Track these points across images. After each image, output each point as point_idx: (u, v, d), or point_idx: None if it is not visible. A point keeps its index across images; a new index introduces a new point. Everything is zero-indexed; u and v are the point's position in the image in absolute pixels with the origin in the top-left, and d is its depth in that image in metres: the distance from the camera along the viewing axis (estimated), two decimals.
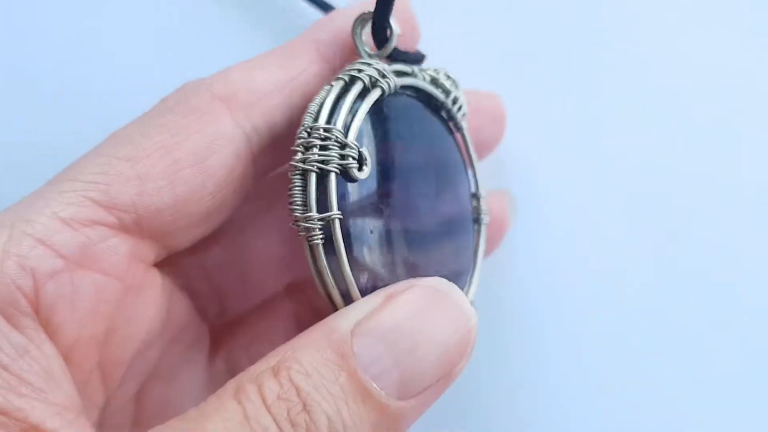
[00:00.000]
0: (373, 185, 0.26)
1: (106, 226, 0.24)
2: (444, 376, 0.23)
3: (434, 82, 0.30)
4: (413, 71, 0.30)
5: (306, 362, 0.22)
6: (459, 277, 0.30)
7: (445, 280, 0.25)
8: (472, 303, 0.26)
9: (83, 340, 0.24)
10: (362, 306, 0.23)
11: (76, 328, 0.23)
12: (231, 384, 0.22)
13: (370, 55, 0.29)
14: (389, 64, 0.29)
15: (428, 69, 0.31)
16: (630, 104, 0.38)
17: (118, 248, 0.24)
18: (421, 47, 0.33)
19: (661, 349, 0.37)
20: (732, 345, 0.37)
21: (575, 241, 0.38)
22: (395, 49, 0.30)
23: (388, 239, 0.26)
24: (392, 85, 0.27)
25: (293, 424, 0.21)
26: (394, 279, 0.26)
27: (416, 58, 0.32)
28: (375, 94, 0.27)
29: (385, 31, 0.30)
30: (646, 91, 0.38)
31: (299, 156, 0.25)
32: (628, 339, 0.37)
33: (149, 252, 0.26)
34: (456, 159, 0.31)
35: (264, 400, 0.21)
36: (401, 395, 0.22)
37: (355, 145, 0.25)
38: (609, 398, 0.37)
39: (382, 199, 0.26)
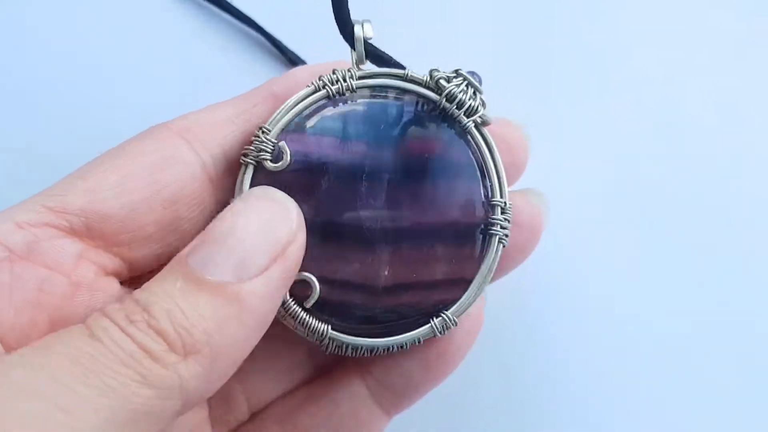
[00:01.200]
0: (291, 178, 0.28)
1: (56, 228, 0.26)
2: (279, 257, 0.25)
3: (434, 83, 0.29)
4: (406, 74, 0.29)
5: (146, 285, 0.24)
6: (450, 285, 0.29)
7: (262, 187, 0.27)
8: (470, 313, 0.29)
9: (20, 325, 0.26)
10: (198, 236, 0.25)
11: (13, 312, 0.26)
12: None
13: (357, 63, 0.30)
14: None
15: (439, 70, 0.29)
16: (634, 119, 0.40)
17: (67, 248, 0.26)
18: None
19: (660, 354, 0.38)
20: (729, 350, 0.38)
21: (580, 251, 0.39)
22: (376, 54, 0.30)
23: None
24: (343, 87, 0.28)
25: (131, 321, 0.22)
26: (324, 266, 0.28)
27: (388, 61, 0.30)
28: (318, 95, 0.29)
29: (350, 31, 0.29)
30: (655, 113, 0.41)
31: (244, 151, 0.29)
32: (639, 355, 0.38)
33: (107, 261, 0.28)
34: (463, 163, 0.29)
35: (104, 312, 0.23)
36: (239, 278, 0.24)
37: (269, 140, 0.28)
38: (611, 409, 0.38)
39: (303, 192, 0.28)
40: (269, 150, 0.28)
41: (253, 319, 0.24)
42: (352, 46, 0.29)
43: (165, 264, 0.26)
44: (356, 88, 0.29)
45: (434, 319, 0.29)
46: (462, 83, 0.29)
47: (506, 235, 0.29)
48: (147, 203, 0.27)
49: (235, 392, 0.32)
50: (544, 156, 0.38)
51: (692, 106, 0.41)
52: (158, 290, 0.23)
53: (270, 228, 0.25)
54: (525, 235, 0.31)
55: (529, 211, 0.32)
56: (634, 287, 0.38)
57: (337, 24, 0.29)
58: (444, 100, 0.29)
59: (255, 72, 0.42)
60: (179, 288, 0.23)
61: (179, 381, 0.22)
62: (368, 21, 0.30)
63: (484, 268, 0.29)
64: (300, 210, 0.26)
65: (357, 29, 0.29)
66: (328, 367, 0.33)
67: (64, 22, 0.42)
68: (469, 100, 0.29)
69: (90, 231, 0.27)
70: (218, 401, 0.32)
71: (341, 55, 0.31)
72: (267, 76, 0.33)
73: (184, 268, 0.24)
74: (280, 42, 0.41)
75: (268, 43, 0.41)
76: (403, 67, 0.30)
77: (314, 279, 0.28)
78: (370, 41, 0.30)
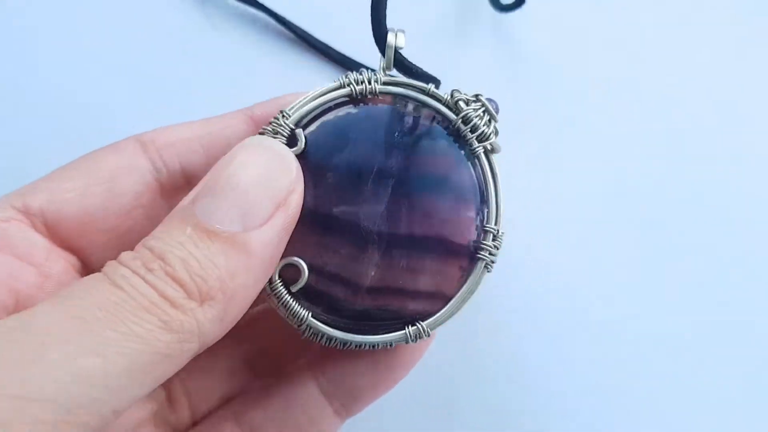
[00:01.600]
0: (300, 165, 0.28)
1: (23, 224, 0.28)
2: (281, 206, 0.26)
3: (453, 103, 0.30)
4: (429, 89, 0.30)
5: (156, 233, 0.25)
6: (431, 297, 0.29)
7: (262, 137, 0.29)
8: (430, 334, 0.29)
9: None
10: (199, 184, 0.26)
11: None
12: None
13: (385, 69, 0.31)
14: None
15: (460, 92, 0.30)
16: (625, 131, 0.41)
17: (36, 242, 0.29)
18: None
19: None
20: (727, 350, 0.39)
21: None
22: (404, 64, 0.31)
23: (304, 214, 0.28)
24: (366, 89, 0.30)
25: (149, 270, 0.23)
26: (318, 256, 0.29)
27: (423, 74, 0.31)
28: (341, 92, 0.30)
29: (383, 37, 0.30)
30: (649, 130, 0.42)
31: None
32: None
33: (73, 260, 0.30)
34: (466, 185, 0.30)
35: (120, 261, 0.24)
36: (246, 227, 0.25)
37: (287, 125, 0.29)
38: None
39: (309, 182, 0.29)
40: (285, 134, 0.29)
41: (259, 266, 0.26)
42: (383, 52, 0.30)
43: None
44: (379, 92, 0.30)
45: (409, 326, 0.29)
46: (480, 109, 0.30)
47: (492, 262, 0.30)
48: (103, 210, 0.29)
49: (177, 393, 0.33)
50: (541, 156, 0.40)
51: (690, 108, 0.42)
52: (169, 239, 0.24)
53: (272, 178, 0.26)
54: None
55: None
56: (630, 289, 0.39)
57: (373, 28, 0.30)
58: (460, 121, 0.30)
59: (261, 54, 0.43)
60: (189, 236, 0.24)
61: (197, 325, 0.24)
62: (402, 31, 0.31)
63: (465, 288, 0.30)
64: (298, 162, 0.28)
65: (390, 37, 0.30)
66: (272, 370, 0.34)
67: (55, 19, 0.43)
68: (483, 125, 0.30)
69: (50, 231, 0.29)
70: (161, 401, 0.33)
71: (356, 44, 0.32)
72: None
73: (192, 218, 0.25)
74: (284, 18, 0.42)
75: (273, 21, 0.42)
76: (434, 80, 0.31)
77: (304, 265, 0.29)
78: (400, 50, 0.31)
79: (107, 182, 0.29)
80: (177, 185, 0.31)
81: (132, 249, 0.25)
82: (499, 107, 0.31)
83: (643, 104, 0.42)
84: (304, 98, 0.30)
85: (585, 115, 0.42)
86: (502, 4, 0.43)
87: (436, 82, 0.31)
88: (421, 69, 0.31)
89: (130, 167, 0.30)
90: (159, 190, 0.31)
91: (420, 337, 0.29)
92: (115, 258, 0.24)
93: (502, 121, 0.31)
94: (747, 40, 0.43)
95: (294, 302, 0.29)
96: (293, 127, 0.29)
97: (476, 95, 0.30)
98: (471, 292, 0.30)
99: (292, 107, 0.29)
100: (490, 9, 0.43)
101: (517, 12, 0.43)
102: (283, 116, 0.29)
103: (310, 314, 0.29)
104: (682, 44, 0.43)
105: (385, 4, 0.30)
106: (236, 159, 0.26)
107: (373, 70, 0.30)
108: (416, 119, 0.30)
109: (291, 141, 0.29)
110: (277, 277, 0.29)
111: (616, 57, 0.43)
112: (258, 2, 0.43)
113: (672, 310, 0.39)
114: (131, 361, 0.22)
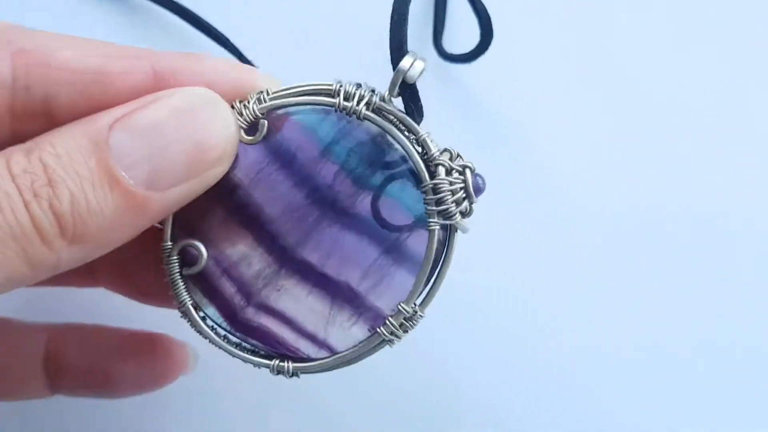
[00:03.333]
0: (254, 155, 0.26)
1: None
2: (197, 176, 0.24)
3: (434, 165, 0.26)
4: (420, 137, 0.26)
5: (59, 145, 0.22)
6: (315, 343, 0.27)
7: (211, 92, 0.25)
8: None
9: None
10: (126, 106, 0.24)
11: None
12: None
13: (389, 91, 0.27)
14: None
15: (451, 151, 0.26)
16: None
17: None
18: None
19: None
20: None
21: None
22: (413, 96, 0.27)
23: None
24: (352, 108, 0.26)
25: (36, 195, 0.21)
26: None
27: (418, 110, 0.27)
28: (326, 99, 0.26)
29: (399, 57, 0.26)
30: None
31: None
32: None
33: None
34: (411, 255, 0.26)
35: (10, 170, 0.22)
36: (150, 186, 0.23)
37: (254, 111, 0.26)
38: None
39: (255, 175, 0.26)
40: (247, 120, 0.26)
41: (145, 225, 0.24)
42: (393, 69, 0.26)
43: None
44: (364, 118, 0.26)
45: (277, 359, 0.27)
46: (458, 184, 0.26)
47: (392, 341, 0.27)
48: None
49: None
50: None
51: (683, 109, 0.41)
52: (68, 163, 0.22)
53: (201, 145, 0.24)
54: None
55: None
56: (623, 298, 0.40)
57: (390, 43, 0.26)
58: (430, 188, 0.26)
59: None
60: (91, 171, 0.22)
61: (56, 263, 0.22)
62: (424, 60, 0.26)
63: (350, 353, 0.27)
64: (238, 132, 0.25)
65: (405, 60, 0.26)
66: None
67: None
68: (452, 205, 0.25)
69: None
70: None
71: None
72: None
73: (103, 148, 0.23)
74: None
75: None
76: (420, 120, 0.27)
77: (205, 256, 0.27)
78: (413, 81, 0.26)
79: None
80: (31, 110, 0.25)
81: None
82: (485, 186, 0.26)
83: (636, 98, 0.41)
84: (287, 89, 0.27)
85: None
86: (447, 53, 0.38)
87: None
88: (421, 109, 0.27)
89: None
90: (8, 105, 0.25)
91: (282, 373, 0.27)
92: None
93: None
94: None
95: (181, 284, 0.27)
96: (260, 115, 0.26)
97: (465, 166, 0.26)
98: (352, 360, 0.27)
99: (273, 95, 0.26)
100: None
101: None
102: (259, 101, 0.26)
103: (190, 303, 0.27)
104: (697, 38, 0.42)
105: (407, 14, 0.25)
106: (175, 105, 0.24)
107: (372, 90, 0.26)
108: (397, 163, 0.26)
109: (251, 128, 0.26)
110: (176, 254, 0.27)
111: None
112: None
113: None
114: None
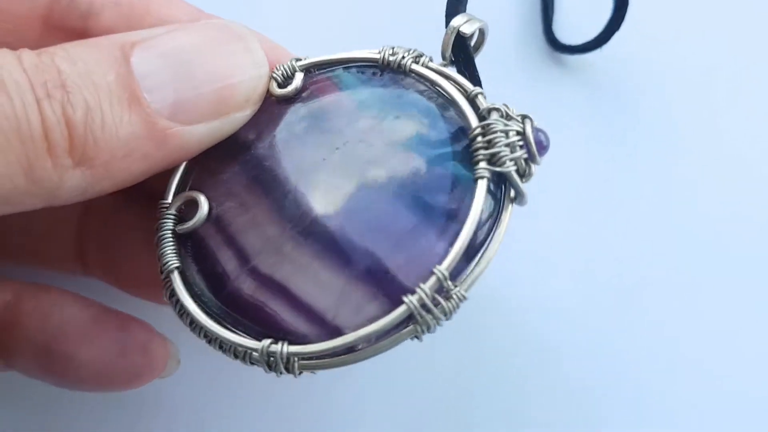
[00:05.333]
0: (283, 111, 0.24)
1: None
2: (221, 115, 0.22)
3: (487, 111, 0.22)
4: (471, 93, 0.22)
5: (75, 53, 0.20)
6: (317, 322, 0.21)
7: (246, 28, 0.23)
8: None
9: None
10: (152, 30, 0.22)
11: None
12: None
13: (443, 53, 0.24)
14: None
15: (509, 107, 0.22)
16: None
17: None
18: None
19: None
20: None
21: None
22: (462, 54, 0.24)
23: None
24: (395, 60, 0.23)
25: (49, 95, 0.19)
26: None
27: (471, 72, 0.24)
28: (365, 56, 0.24)
29: (451, 15, 0.24)
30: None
31: None
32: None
33: None
34: (452, 223, 0.21)
35: (21, 63, 0.19)
36: (173, 116, 0.21)
37: (291, 65, 0.24)
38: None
39: (275, 127, 0.23)
40: (282, 74, 0.24)
41: (159, 163, 0.21)
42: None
43: None
44: (410, 71, 0.23)
45: (268, 340, 0.21)
46: (515, 128, 0.21)
47: (422, 326, 0.20)
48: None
49: None
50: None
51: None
52: (85, 71, 0.20)
53: (227, 77, 0.22)
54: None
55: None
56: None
57: (447, 9, 0.24)
58: (479, 132, 0.21)
59: None
60: (109, 86, 0.20)
61: (57, 186, 0.19)
62: (481, 21, 0.24)
63: (368, 330, 0.20)
64: (269, 77, 0.23)
65: (459, 17, 0.24)
66: None
67: None
68: (505, 149, 0.21)
69: None
70: None
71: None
72: None
73: (124, 64, 0.20)
74: None
75: None
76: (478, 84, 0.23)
77: (205, 209, 0.22)
78: (467, 42, 0.24)
79: None
80: (68, 25, 0.24)
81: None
82: (549, 146, 0.22)
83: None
84: (330, 57, 0.24)
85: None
86: (561, 44, 0.34)
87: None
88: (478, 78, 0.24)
89: None
90: (44, 14, 0.24)
91: (273, 367, 0.20)
92: None
93: None
94: None
95: (169, 243, 0.23)
96: (297, 68, 0.24)
97: (524, 116, 0.22)
98: (372, 341, 0.20)
99: (312, 60, 0.24)
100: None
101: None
102: (296, 60, 0.24)
103: (176, 268, 0.22)
104: None
105: None
106: (207, 34, 0.22)
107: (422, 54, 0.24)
108: (437, 113, 0.22)
109: (285, 81, 0.24)
110: (174, 209, 0.23)
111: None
112: None
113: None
114: None
